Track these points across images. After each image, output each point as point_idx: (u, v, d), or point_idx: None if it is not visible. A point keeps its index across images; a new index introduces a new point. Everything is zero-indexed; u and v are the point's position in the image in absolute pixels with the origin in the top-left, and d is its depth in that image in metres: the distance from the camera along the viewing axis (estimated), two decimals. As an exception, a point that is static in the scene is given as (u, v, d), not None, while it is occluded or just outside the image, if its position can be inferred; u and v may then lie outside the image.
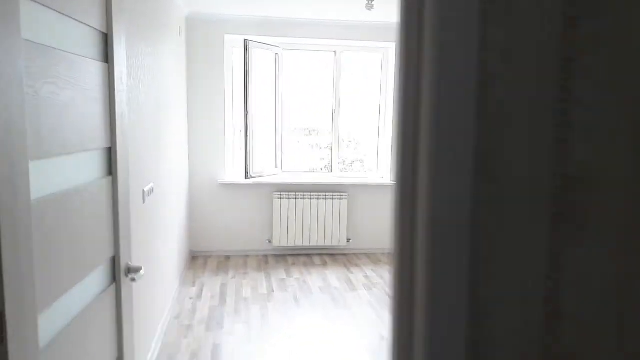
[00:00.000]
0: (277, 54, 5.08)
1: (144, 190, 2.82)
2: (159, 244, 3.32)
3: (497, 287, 0.70)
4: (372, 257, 5.22)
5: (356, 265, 4.93)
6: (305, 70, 5.50)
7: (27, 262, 0.93)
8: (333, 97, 5.30)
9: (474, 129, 0.67)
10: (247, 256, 5.14)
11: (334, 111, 5.33)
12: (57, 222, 1.09)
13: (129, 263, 1.55)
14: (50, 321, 1.09)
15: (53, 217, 1.07)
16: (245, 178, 4.86)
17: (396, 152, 0.73)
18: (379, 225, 5.37)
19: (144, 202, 2.83)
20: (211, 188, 5.07)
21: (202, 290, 4.16)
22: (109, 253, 1.41)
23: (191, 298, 3.99)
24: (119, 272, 1.47)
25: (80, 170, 1.25)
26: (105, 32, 1.37)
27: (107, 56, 1.39)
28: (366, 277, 4.57)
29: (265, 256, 5.17)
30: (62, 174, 1.16)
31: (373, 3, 2.72)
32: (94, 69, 1.29)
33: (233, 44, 5.01)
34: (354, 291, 4.20)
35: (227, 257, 5.07)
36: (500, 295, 0.71)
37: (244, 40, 4.69)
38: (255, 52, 4.82)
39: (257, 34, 4.88)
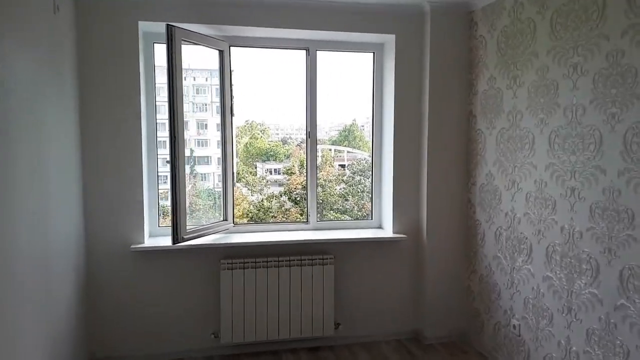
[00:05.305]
0: (222, 51, 3.39)
1: None
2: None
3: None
4: (372, 350, 3.48)
5: (352, 370, 3.17)
6: (266, 75, 3.84)
7: None
8: (306, 115, 3.63)
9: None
10: (182, 361, 3.30)
11: (308, 135, 3.65)
12: None
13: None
14: None
15: None
16: (174, 242, 3.07)
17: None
18: (379, 298, 3.66)
19: None
20: (122, 258, 3.23)
21: None
22: None
23: None
24: None
25: None
26: None
27: None
28: (374, 400, 2.81)
29: (210, 359, 3.34)
30: None
31: None
32: None
33: (154, 38, 3.30)
34: None
35: (149, 366, 3.21)
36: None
37: (167, 26, 2.99)
38: (187, 49, 3.12)
39: (190, 20, 3.19)
